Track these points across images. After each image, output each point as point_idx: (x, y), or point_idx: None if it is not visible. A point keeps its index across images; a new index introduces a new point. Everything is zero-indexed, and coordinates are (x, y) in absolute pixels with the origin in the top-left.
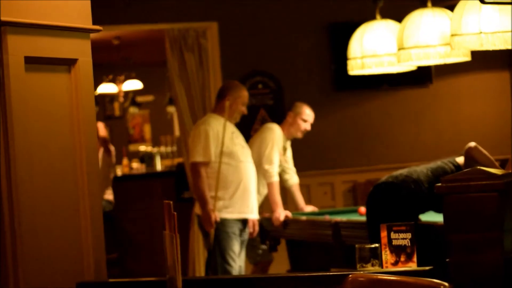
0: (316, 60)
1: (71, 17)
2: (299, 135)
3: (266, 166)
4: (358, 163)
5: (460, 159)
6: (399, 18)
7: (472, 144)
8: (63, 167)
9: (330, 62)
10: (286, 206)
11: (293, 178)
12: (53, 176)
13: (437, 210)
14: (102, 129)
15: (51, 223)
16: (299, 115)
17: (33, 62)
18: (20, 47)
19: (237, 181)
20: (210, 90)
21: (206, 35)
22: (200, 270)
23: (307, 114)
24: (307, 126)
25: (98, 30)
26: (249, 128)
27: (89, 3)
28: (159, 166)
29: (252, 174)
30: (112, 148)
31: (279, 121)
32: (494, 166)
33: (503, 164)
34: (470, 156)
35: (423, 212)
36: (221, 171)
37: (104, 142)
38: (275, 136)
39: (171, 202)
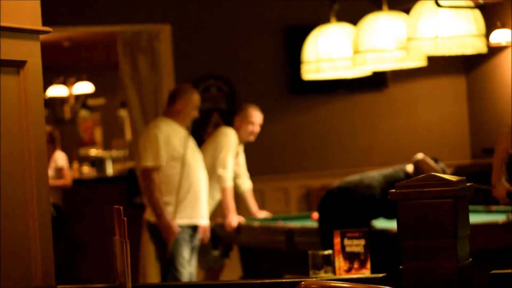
0: (271, 63)
1: (20, 18)
2: (251, 138)
3: (220, 171)
4: (312, 167)
5: (410, 168)
6: (354, 21)
7: (420, 156)
8: (11, 170)
9: (286, 66)
10: (239, 211)
11: (246, 183)
12: (0, 179)
13: (388, 217)
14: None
15: None
16: (245, 118)
17: None
18: None
19: (187, 186)
20: (162, 94)
21: (159, 37)
22: (151, 276)
23: (254, 116)
24: (255, 128)
25: (47, 32)
26: (202, 132)
27: (38, 3)
28: (110, 170)
29: (203, 179)
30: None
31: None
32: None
33: (460, 171)
34: (418, 167)
35: (375, 218)
36: (171, 175)
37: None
38: (230, 141)
39: (121, 208)
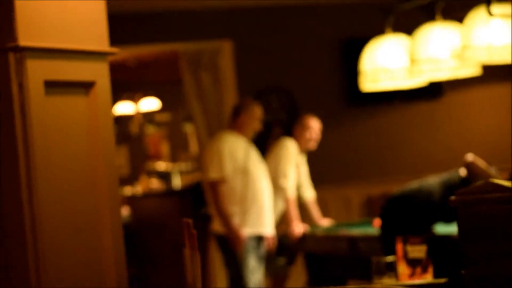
0: (329, 75)
1: (88, 40)
2: (311, 145)
3: (282, 181)
4: (372, 175)
5: (463, 171)
6: (409, 32)
7: (470, 158)
8: (85, 187)
9: (343, 78)
10: (303, 220)
11: (308, 193)
12: (73, 196)
13: (448, 221)
14: None
15: (72, 243)
16: (302, 126)
17: (52, 86)
18: (39, 71)
19: (251, 196)
20: (226, 108)
21: (221, 53)
22: (219, 285)
23: (310, 122)
24: (313, 135)
25: (114, 54)
26: (264, 144)
27: (105, 25)
28: (177, 183)
29: (267, 190)
30: None
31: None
32: (490, 176)
33: None
34: (470, 170)
35: (435, 223)
36: (236, 187)
37: None
38: (290, 151)
39: (191, 221)
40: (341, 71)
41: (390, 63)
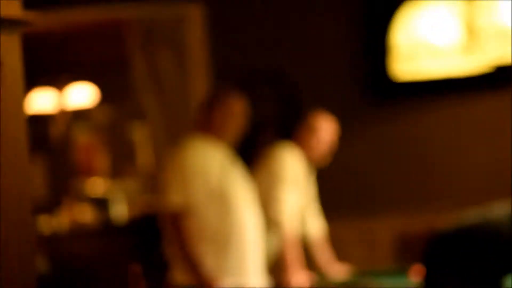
0: (345, 57)
1: None
2: (322, 156)
3: (276, 210)
4: (409, 202)
5: None
6: None
7: None
8: None
9: (365, 60)
10: (307, 267)
11: (317, 225)
12: None
13: None
14: None
15: None
16: (309, 128)
17: None
18: None
19: (232, 233)
20: (193, 100)
21: (186, 22)
22: None
23: (320, 121)
24: (323, 142)
25: (30, 22)
26: (251, 154)
27: None
28: (120, 213)
29: (255, 223)
30: None
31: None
32: None
33: None
34: None
35: (505, 274)
36: (209, 219)
37: None
38: (289, 165)
39: (140, 269)
40: (362, 50)
41: (435, 36)
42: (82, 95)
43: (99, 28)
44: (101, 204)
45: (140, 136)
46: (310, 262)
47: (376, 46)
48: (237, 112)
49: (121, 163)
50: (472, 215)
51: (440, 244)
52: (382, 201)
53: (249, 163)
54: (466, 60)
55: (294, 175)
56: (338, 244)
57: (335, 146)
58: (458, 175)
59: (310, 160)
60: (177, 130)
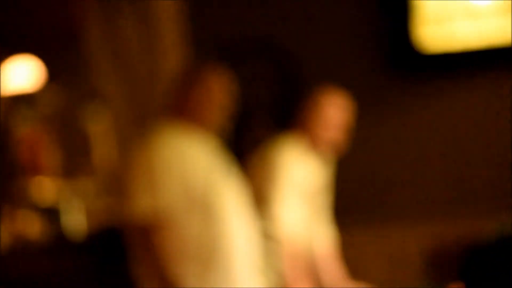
0: (358, 22)
1: None
2: (332, 141)
3: (273, 219)
4: (438, 205)
5: None
6: None
7: None
8: None
9: (382, 26)
10: (316, 284)
11: (325, 236)
12: None
13: None
14: None
15: None
16: (316, 106)
17: None
18: None
19: (218, 248)
20: (163, 78)
21: None
22: None
23: (329, 98)
24: (331, 124)
25: None
26: (241, 144)
27: None
28: (76, 223)
29: (248, 234)
30: None
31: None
32: None
33: None
34: None
35: None
36: (191, 230)
37: None
38: (290, 159)
39: None
40: (378, 14)
41: None
42: (23, 74)
43: None
44: (52, 213)
45: (98, 124)
46: (319, 278)
47: (395, 10)
48: (220, 90)
49: (74, 159)
50: None
51: (478, 258)
52: (408, 204)
53: (240, 157)
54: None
55: (296, 176)
56: (354, 258)
57: (352, 130)
58: (502, 172)
59: (318, 148)
60: (145, 116)
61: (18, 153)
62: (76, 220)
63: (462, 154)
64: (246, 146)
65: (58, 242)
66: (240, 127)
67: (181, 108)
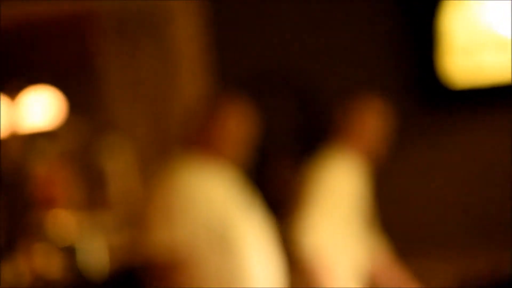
0: (384, 53)
1: None
2: (376, 146)
3: (303, 232)
4: (472, 238)
5: None
6: None
7: None
8: None
9: (411, 58)
10: None
11: (380, 245)
12: None
13: None
14: None
15: None
16: (357, 115)
17: None
18: None
19: (237, 281)
20: (183, 109)
21: (173, 13)
22: None
23: (370, 103)
24: (376, 125)
25: None
26: (265, 177)
27: None
28: (98, 261)
29: (269, 266)
30: None
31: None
32: None
33: None
34: None
35: None
36: (209, 270)
37: None
38: (340, 173)
39: None
40: (404, 48)
41: (503, 26)
42: (42, 108)
43: (62, 22)
44: (71, 251)
45: (117, 157)
46: None
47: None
48: (242, 122)
49: (93, 193)
50: None
51: None
52: (439, 234)
53: (263, 190)
54: None
55: (349, 187)
56: None
57: (391, 138)
58: None
59: (363, 159)
60: (166, 148)
61: (35, 188)
62: (95, 257)
63: (492, 186)
64: (270, 178)
65: (78, 280)
66: (264, 159)
67: (202, 140)
